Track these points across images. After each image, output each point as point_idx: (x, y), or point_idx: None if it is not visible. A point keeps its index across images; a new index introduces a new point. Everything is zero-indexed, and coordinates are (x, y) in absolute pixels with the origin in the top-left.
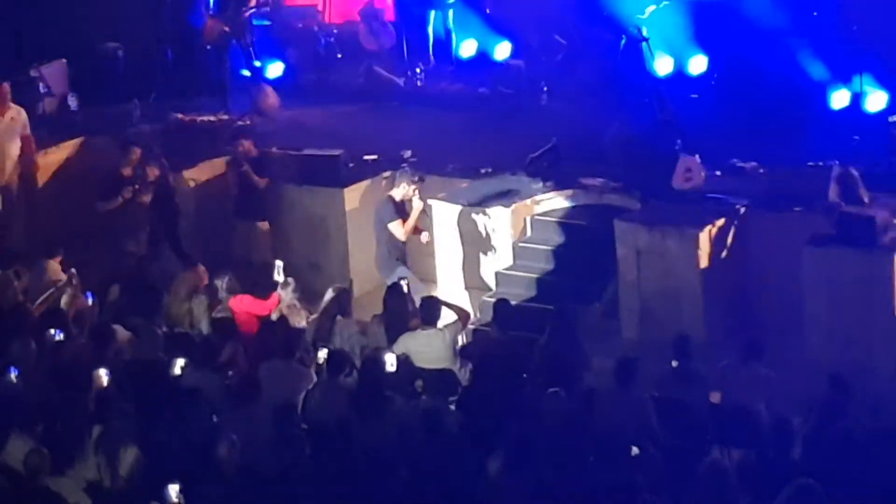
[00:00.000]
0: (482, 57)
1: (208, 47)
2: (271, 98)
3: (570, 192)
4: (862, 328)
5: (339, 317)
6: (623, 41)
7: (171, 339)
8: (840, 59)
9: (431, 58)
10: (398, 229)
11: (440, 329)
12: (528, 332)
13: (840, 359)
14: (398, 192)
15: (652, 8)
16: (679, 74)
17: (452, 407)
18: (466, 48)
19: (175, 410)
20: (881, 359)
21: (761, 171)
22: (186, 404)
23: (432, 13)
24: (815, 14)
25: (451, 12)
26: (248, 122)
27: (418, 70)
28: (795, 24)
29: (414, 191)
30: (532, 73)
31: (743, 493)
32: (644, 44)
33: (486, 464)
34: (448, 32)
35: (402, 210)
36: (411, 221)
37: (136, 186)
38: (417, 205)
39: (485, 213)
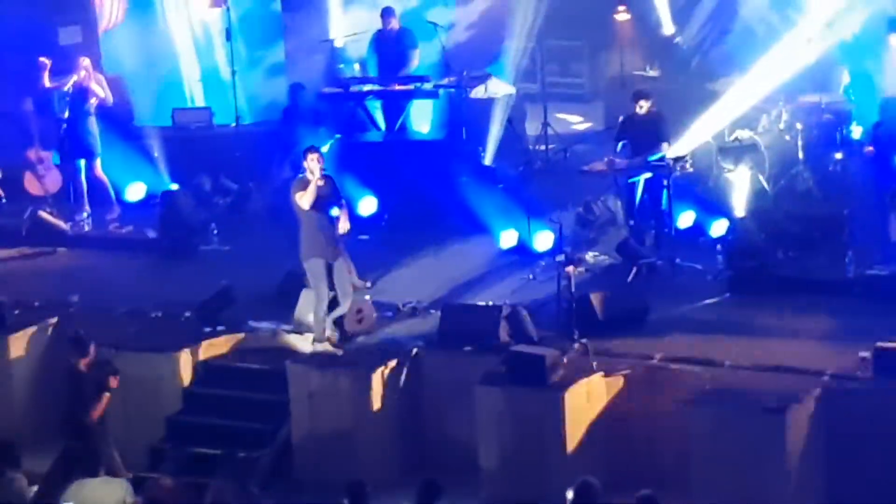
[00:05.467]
0: (151, 199)
1: None
2: None
3: (241, 335)
4: (534, 465)
5: (7, 471)
6: None
7: None
8: (508, 200)
9: (87, 206)
10: (302, 199)
11: (117, 477)
12: (200, 478)
13: (514, 496)
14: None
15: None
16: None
17: None
18: (135, 192)
19: None
20: (554, 495)
21: (433, 311)
22: None
23: (82, 162)
24: (481, 150)
25: (97, 161)
26: None
27: (85, 214)
28: (464, 166)
29: (315, 160)
30: (203, 215)
31: None
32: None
33: None
34: (96, 180)
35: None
36: (312, 189)
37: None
38: (317, 175)
39: (152, 359)
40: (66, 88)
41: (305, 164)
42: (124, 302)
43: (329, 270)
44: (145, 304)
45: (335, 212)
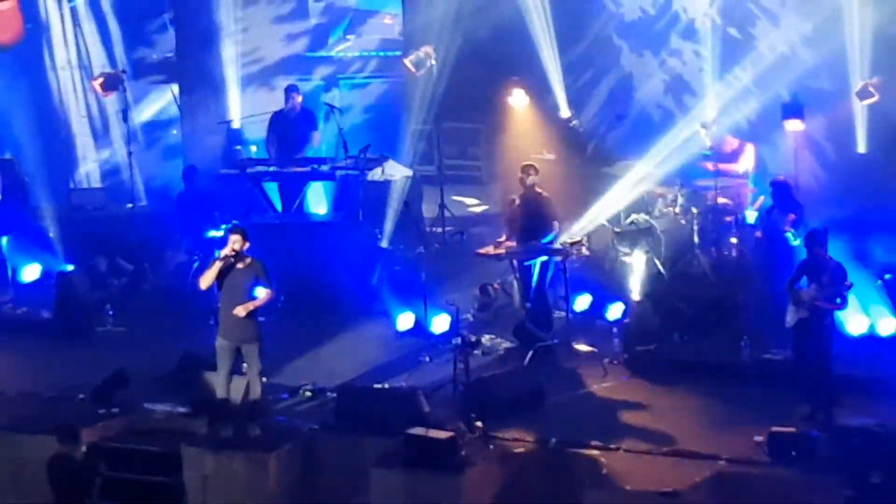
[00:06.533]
0: (46, 280)
1: None
2: None
3: (135, 416)
4: None
5: None
6: (196, 263)
7: None
8: (405, 282)
9: None
10: (202, 278)
11: None
12: None
13: None
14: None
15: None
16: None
17: None
18: (30, 272)
19: None
20: None
21: (329, 394)
22: None
23: None
24: (378, 232)
25: (4, 239)
26: None
27: None
28: (360, 248)
29: (232, 241)
30: (99, 296)
31: None
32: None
33: None
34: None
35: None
36: (211, 269)
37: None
38: (218, 261)
39: (46, 441)
40: None
41: (230, 246)
42: (18, 383)
43: (238, 353)
44: (39, 386)
45: (238, 312)
